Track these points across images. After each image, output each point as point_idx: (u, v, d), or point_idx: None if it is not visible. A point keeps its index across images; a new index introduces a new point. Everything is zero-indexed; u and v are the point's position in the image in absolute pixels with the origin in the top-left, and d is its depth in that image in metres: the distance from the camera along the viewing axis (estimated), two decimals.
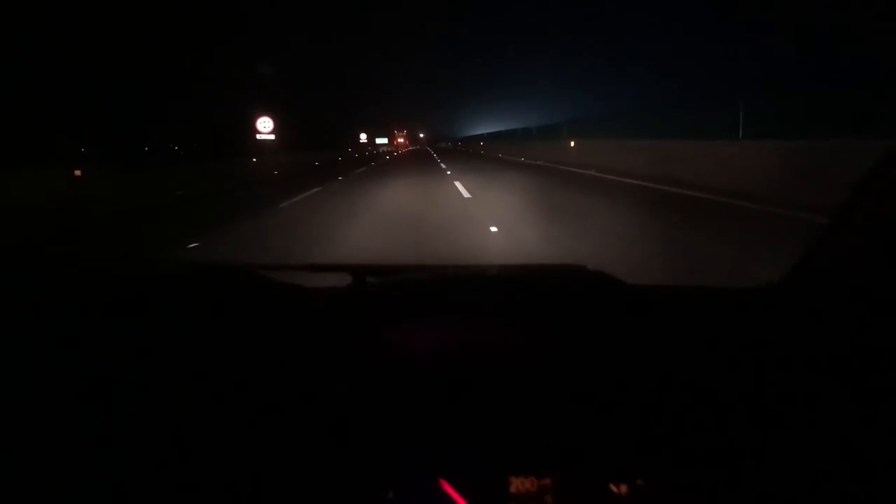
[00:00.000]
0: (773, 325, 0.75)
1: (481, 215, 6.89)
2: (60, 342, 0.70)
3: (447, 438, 0.66)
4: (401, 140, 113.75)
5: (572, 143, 17.87)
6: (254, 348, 0.73)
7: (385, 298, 0.83)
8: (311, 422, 0.65)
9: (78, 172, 11.67)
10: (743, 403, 0.68)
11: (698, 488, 0.64)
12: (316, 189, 12.19)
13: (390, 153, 60.82)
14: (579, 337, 0.75)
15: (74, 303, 0.78)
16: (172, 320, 0.75)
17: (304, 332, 0.76)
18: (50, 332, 0.72)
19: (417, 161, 28.42)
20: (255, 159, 21.70)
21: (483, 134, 54.80)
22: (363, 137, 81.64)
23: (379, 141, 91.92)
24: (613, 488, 0.67)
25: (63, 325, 0.73)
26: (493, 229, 5.81)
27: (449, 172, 16.17)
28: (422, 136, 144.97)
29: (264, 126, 23.11)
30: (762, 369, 0.70)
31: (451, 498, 0.63)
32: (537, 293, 0.84)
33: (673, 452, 0.66)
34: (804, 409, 0.67)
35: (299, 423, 0.65)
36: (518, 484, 0.64)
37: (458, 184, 11.52)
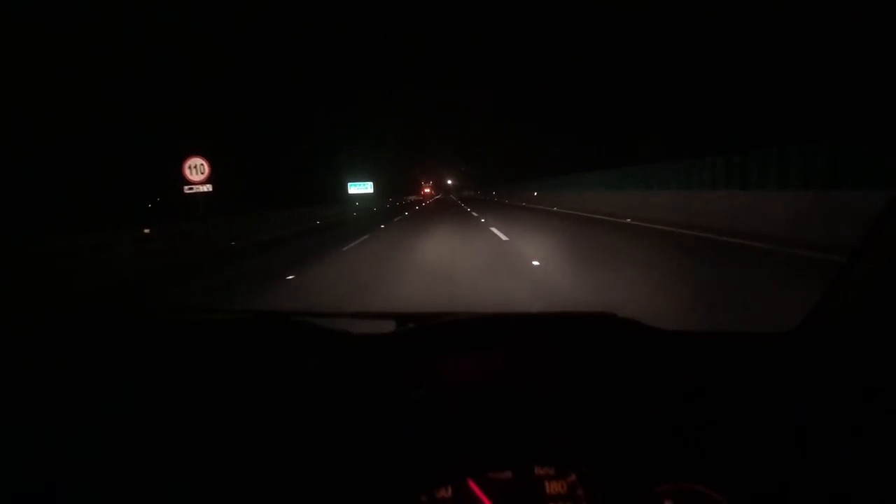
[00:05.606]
0: (795, 370, 0.77)
1: None
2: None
3: (472, 444, 0.73)
4: (427, 191, 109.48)
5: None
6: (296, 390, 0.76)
7: (424, 340, 0.89)
8: (356, 437, 0.73)
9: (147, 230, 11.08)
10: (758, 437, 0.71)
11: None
12: None
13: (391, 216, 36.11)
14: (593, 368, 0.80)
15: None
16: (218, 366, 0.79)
17: (352, 371, 0.83)
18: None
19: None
20: None
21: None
22: None
23: (354, 189, 48.40)
24: None
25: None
26: None
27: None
28: (449, 182, 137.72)
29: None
30: (783, 411, 0.72)
31: (478, 497, 0.69)
32: (563, 337, 0.90)
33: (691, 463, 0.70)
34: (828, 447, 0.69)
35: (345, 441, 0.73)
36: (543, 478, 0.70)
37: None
